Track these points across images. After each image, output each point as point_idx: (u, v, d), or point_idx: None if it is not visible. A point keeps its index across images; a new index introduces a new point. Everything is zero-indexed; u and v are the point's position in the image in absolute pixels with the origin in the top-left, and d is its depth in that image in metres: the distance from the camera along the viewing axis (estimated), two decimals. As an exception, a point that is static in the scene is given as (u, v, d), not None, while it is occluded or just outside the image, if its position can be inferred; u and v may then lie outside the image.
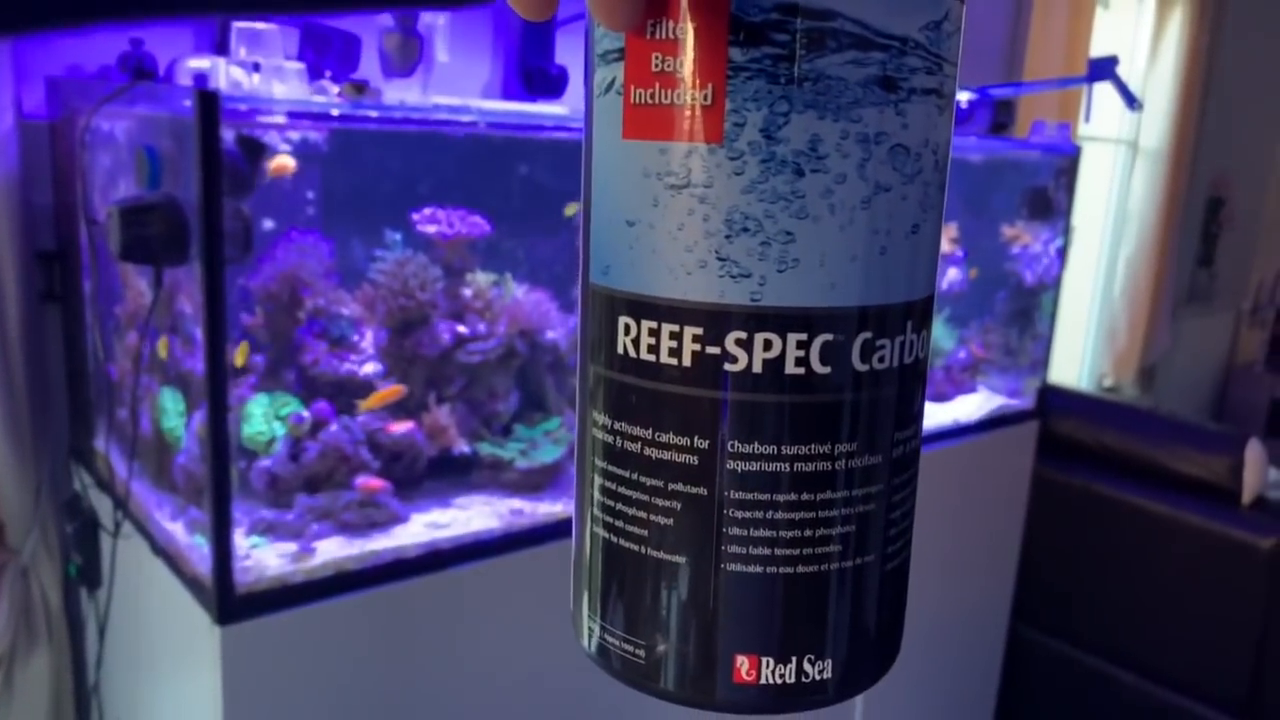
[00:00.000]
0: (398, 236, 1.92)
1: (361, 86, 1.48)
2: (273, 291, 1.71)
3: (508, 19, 2.56)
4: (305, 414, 1.68)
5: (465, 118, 1.60)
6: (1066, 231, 2.77)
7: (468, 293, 1.90)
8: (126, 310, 1.73)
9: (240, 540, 1.60)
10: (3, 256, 1.85)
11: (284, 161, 1.74)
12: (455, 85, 2.50)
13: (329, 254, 1.80)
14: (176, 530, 1.61)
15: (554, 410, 2.05)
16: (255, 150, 1.50)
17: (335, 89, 1.58)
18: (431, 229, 1.90)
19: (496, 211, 2.25)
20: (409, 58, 1.53)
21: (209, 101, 1.31)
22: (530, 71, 2.55)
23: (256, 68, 1.40)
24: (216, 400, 1.41)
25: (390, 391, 1.75)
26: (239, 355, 1.60)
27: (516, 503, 1.88)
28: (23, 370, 1.92)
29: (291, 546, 1.61)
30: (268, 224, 1.91)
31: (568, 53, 2.55)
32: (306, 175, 1.86)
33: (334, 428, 1.69)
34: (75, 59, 2.01)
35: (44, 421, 2.00)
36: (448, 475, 1.93)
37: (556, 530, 1.83)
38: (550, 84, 2.55)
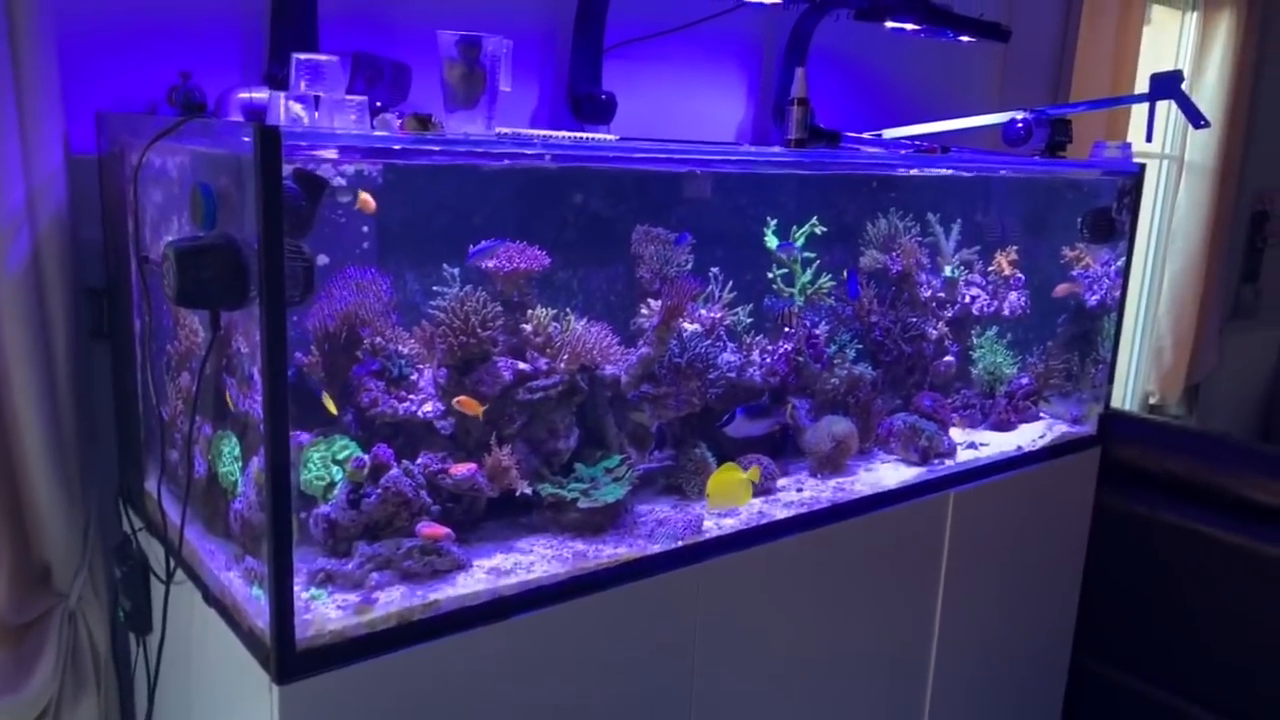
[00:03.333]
0: (455, 271, 1.86)
1: (426, 120, 1.42)
2: (331, 331, 1.65)
3: (555, 45, 2.52)
4: (365, 458, 1.61)
5: (529, 150, 1.54)
6: (1129, 253, 2.69)
7: (528, 328, 1.84)
8: (179, 350, 1.68)
9: (298, 592, 1.54)
10: (50, 293, 1.80)
11: (367, 198, 1.70)
12: (504, 114, 2.45)
13: (387, 291, 1.75)
14: (232, 579, 1.55)
15: (614, 447, 1.98)
16: (315, 186, 1.44)
17: (398, 122, 1.52)
18: (490, 263, 1.84)
19: (555, 243, 2.19)
20: (474, 90, 1.47)
21: (270, 138, 1.26)
22: (579, 98, 2.49)
23: (317, 102, 1.35)
24: (277, 447, 1.35)
25: (472, 403, 1.70)
26: (330, 405, 1.56)
27: (579, 545, 1.81)
28: (71, 409, 1.87)
29: (352, 597, 1.54)
30: (322, 260, 1.86)
31: (616, 78, 2.50)
32: (347, 211, 1.81)
33: (395, 471, 1.63)
34: (124, 92, 1.97)
35: (92, 462, 1.95)
36: (506, 516, 1.86)
37: (621, 574, 1.76)
38: (599, 110, 2.50)
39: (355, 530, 1.62)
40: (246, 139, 1.28)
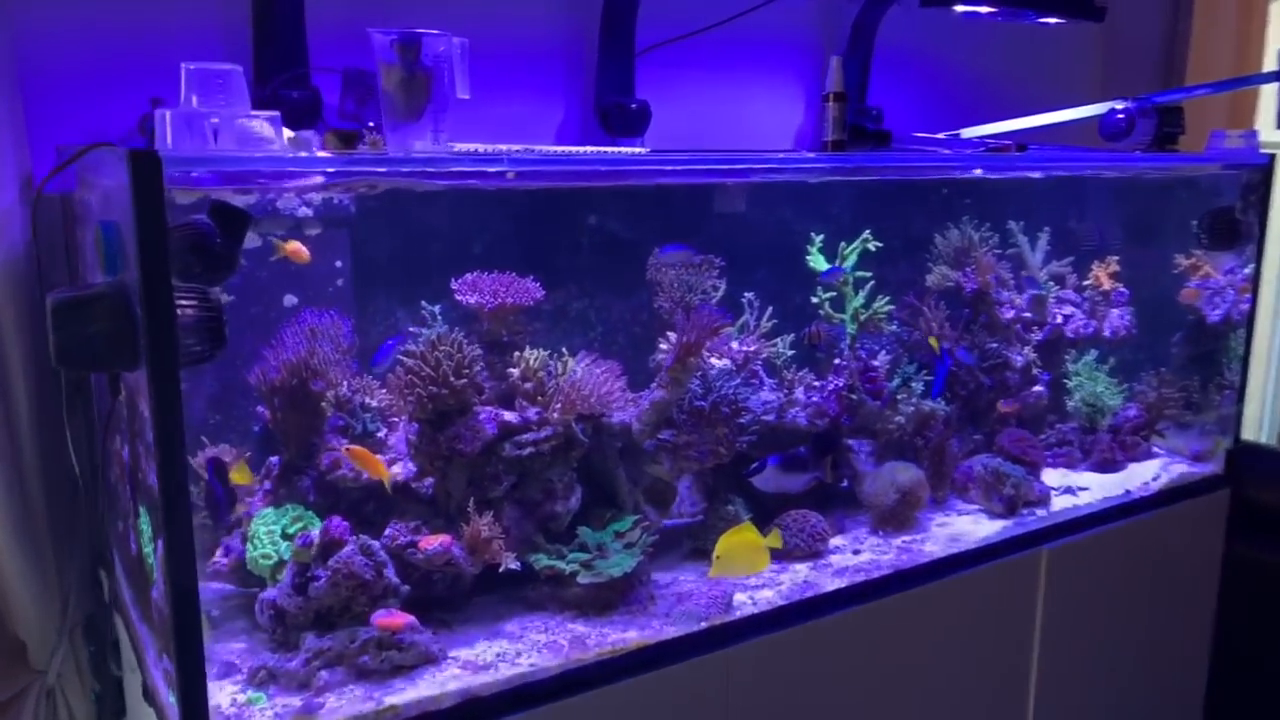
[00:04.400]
0: (435, 309, 1.63)
1: (352, 136, 1.19)
2: (278, 385, 1.43)
3: (581, 52, 2.27)
4: (313, 534, 1.38)
5: (471, 168, 1.29)
6: (1258, 258, 2.28)
7: (514, 373, 1.58)
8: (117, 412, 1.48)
9: (232, 695, 1.31)
10: (8, 350, 1.64)
11: (297, 248, 1.48)
12: (528, 131, 2.21)
13: (348, 335, 1.52)
14: (159, 676, 1.34)
15: (628, 506, 1.71)
16: (234, 221, 1.22)
17: (316, 140, 1.29)
18: (472, 299, 1.60)
19: (561, 271, 1.94)
20: (415, 98, 1.23)
21: (145, 165, 1.04)
22: (607, 109, 2.24)
23: (210, 122, 1.12)
24: (175, 530, 1.12)
25: (368, 457, 1.45)
26: (238, 473, 1.33)
27: (579, 627, 1.54)
28: (38, 476, 1.69)
29: (295, 701, 1.31)
30: (290, 301, 1.65)
31: (650, 86, 2.23)
32: (319, 243, 1.59)
33: (349, 549, 1.39)
34: (98, 123, 1.81)
35: (70, 528, 1.78)
36: (501, 589, 1.60)
37: (629, 665, 1.48)
38: (630, 121, 2.24)
39: (305, 619, 1.39)
40: (122, 166, 1.06)
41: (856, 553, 1.85)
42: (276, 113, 1.17)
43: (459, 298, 1.60)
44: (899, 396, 2.00)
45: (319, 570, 1.37)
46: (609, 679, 1.45)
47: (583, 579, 1.55)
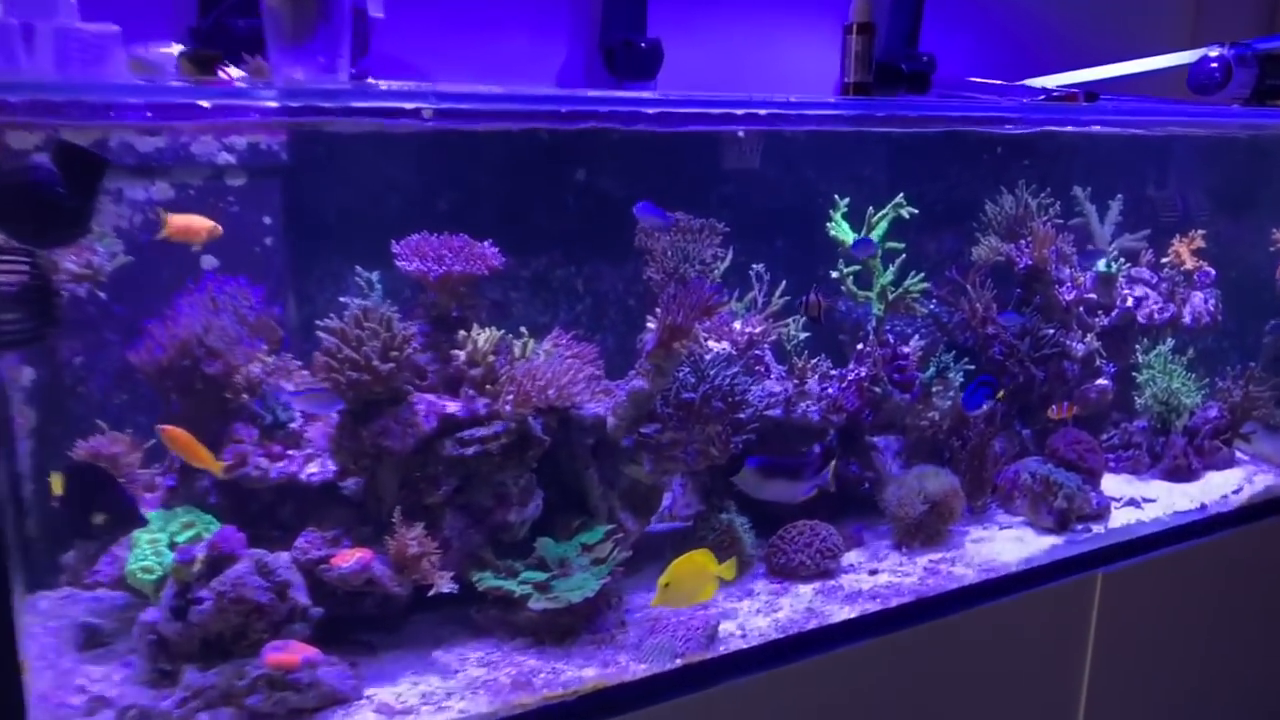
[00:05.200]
0: (374, 276, 1.38)
1: (208, 58, 0.93)
2: (166, 365, 1.19)
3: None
4: (195, 549, 1.15)
5: (368, 104, 1.03)
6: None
7: (460, 356, 1.33)
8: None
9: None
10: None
11: (186, 224, 1.23)
12: (525, 72, 1.94)
13: (258, 305, 1.28)
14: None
15: (600, 514, 1.45)
16: (86, 168, 0.97)
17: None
18: (412, 265, 1.34)
19: (533, 232, 1.68)
20: (304, 21, 0.97)
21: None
22: (613, 47, 1.96)
23: (28, 33, 0.87)
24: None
25: (186, 439, 1.18)
26: (54, 484, 1.10)
27: (530, 660, 1.29)
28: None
29: (165, 750, 1.09)
30: (210, 263, 1.41)
31: (665, 22, 1.93)
32: (245, 196, 1.35)
33: (240, 566, 1.15)
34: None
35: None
36: (447, 606, 1.36)
37: (583, 711, 1.23)
38: (639, 62, 1.95)
39: (190, 647, 1.16)
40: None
41: (874, 573, 1.58)
42: (115, 27, 0.92)
43: (399, 264, 1.35)
44: (934, 388, 1.71)
45: (202, 591, 1.14)
46: (563, 729, 1.21)
47: (535, 604, 1.30)
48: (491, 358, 1.32)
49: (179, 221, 1.22)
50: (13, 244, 0.92)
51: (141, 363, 1.19)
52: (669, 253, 1.54)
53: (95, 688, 1.17)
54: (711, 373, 1.47)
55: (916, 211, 1.62)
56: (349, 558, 1.22)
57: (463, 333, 1.33)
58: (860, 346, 1.66)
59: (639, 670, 1.29)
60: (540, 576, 1.34)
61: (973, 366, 1.76)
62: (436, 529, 1.31)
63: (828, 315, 1.56)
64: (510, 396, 1.29)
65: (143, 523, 1.23)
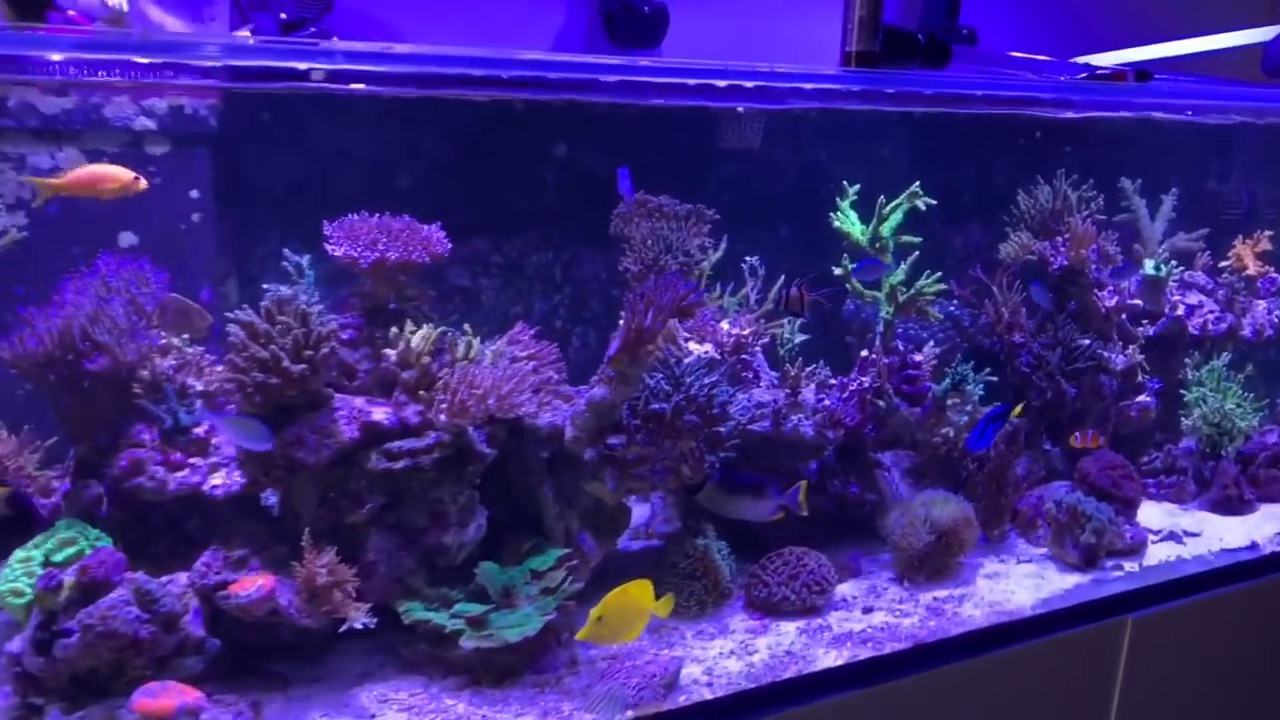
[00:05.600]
0: (304, 260, 1.22)
1: (37, 3, 0.77)
2: (42, 358, 1.04)
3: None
4: (65, 574, 1.00)
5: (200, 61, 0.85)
6: None
7: (391, 356, 1.16)
8: None
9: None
10: None
11: (95, 175, 1.07)
12: (524, 37, 1.77)
13: (160, 292, 1.12)
14: None
15: (554, 534, 1.29)
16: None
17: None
18: (341, 250, 1.18)
19: (507, 214, 1.52)
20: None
21: None
22: (613, 11, 1.79)
23: None
24: None
25: None
26: None
27: (460, 705, 1.14)
28: None
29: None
30: (128, 240, 1.27)
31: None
32: (168, 167, 1.20)
33: (116, 594, 1.00)
34: None
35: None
36: (380, 633, 1.21)
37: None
38: (640, 28, 1.79)
39: (59, 683, 1.01)
40: None
41: (868, 610, 1.40)
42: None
43: (328, 247, 1.18)
44: (949, 402, 1.52)
45: (69, 623, 1.00)
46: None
47: (467, 641, 1.14)
48: (427, 359, 1.15)
49: (80, 175, 1.06)
50: None
51: (15, 356, 1.04)
52: (649, 241, 1.36)
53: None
54: (687, 380, 1.29)
55: (935, 202, 1.42)
56: (249, 585, 1.07)
57: (394, 330, 1.16)
58: (865, 353, 1.47)
59: (585, 721, 1.13)
60: (476, 609, 1.18)
61: (995, 378, 1.56)
62: (360, 551, 1.16)
63: (821, 310, 1.37)
64: (444, 405, 1.12)
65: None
